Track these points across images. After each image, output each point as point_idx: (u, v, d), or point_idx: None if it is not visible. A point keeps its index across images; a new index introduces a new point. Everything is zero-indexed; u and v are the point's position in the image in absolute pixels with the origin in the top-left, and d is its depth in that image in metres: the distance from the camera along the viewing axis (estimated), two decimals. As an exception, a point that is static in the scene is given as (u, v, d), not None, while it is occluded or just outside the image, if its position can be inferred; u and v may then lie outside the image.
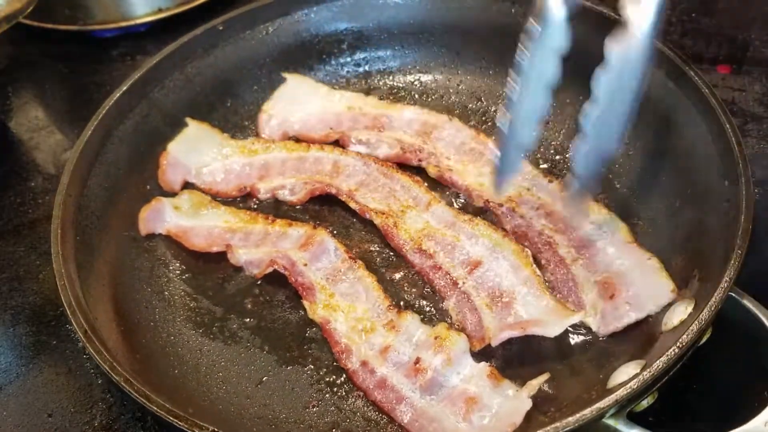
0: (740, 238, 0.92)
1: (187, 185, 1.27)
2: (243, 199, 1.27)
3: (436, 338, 1.04)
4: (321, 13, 1.40)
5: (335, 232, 1.19)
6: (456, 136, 1.34)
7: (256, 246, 1.17)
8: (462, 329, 1.07)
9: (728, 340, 0.97)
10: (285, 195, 1.25)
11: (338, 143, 1.30)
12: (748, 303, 0.95)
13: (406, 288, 1.13)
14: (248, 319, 1.11)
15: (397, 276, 1.15)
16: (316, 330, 1.07)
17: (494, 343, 1.03)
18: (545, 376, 0.98)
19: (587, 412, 0.81)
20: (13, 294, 1.17)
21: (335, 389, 1.02)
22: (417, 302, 1.10)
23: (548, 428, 0.80)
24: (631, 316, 1.06)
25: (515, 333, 1.02)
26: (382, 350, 1.07)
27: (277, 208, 1.25)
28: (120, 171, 1.21)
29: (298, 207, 1.25)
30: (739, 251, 0.91)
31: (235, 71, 1.38)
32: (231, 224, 1.22)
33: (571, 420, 0.80)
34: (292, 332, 1.09)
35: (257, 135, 1.34)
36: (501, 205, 1.16)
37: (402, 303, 1.09)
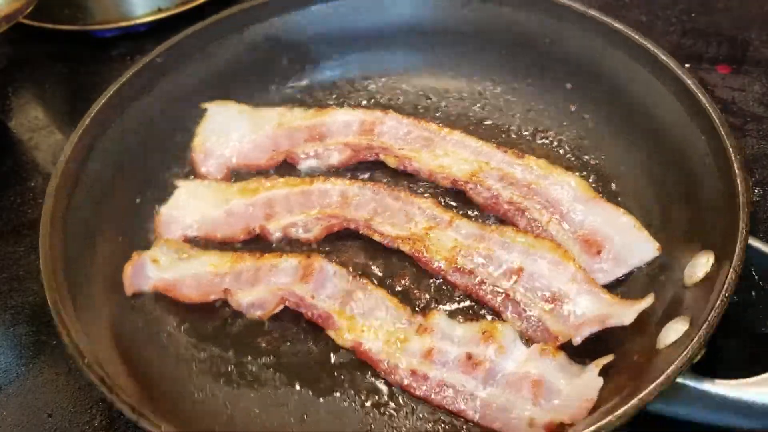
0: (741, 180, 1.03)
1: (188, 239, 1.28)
2: (246, 243, 1.28)
3: (483, 333, 1.09)
4: (256, 31, 1.42)
5: (326, 251, 1.23)
6: (398, 127, 1.39)
7: (250, 285, 1.17)
8: (530, 339, 1.12)
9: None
10: (299, 233, 1.25)
11: (287, 163, 1.36)
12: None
13: (416, 293, 1.17)
14: (266, 358, 1.11)
15: (405, 282, 1.19)
16: (342, 354, 1.10)
17: (577, 341, 1.07)
18: (610, 357, 1.03)
19: (663, 379, 0.86)
20: (13, 294, 1.22)
21: (382, 409, 1.05)
22: (432, 303, 1.16)
23: (633, 401, 0.85)
24: (617, 272, 1.16)
25: (595, 327, 1.07)
26: (426, 354, 1.10)
27: (293, 246, 1.27)
28: (94, 231, 1.19)
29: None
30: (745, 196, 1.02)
31: (177, 104, 1.37)
32: (217, 267, 1.21)
33: (652, 388, 0.86)
34: (317, 362, 1.10)
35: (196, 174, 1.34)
36: (467, 182, 1.26)
37: (419, 306, 1.15)
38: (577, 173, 1.27)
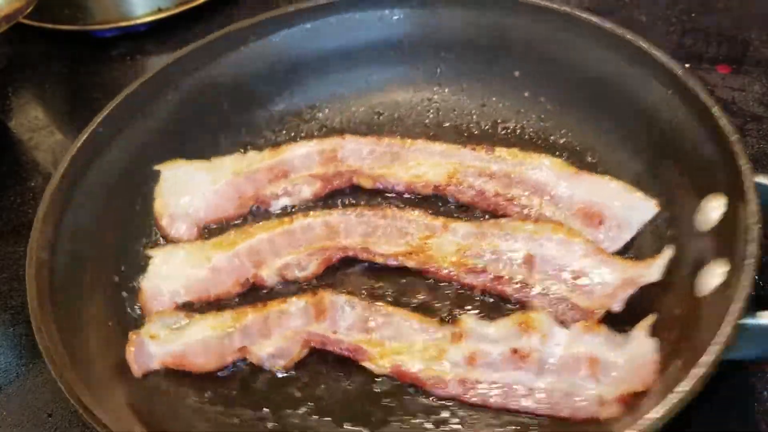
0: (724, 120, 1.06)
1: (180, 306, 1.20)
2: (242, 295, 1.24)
3: (520, 325, 1.07)
4: (191, 82, 1.37)
5: (330, 283, 1.21)
6: (359, 148, 1.37)
7: (264, 338, 1.12)
8: (564, 322, 1.09)
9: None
10: (295, 273, 1.21)
11: (259, 207, 1.33)
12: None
13: (436, 305, 1.16)
14: (306, 407, 1.06)
15: (420, 297, 1.17)
16: (383, 382, 1.07)
17: (616, 308, 1.07)
18: (652, 317, 1.03)
19: (731, 320, 0.86)
20: (12, 294, 1.23)
21: (445, 426, 1.02)
22: (455, 309, 1.15)
23: (713, 349, 0.84)
24: (624, 237, 1.19)
25: (629, 290, 1.06)
26: (469, 360, 1.07)
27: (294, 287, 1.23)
28: (83, 324, 1.11)
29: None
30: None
31: (127, 172, 1.30)
32: (221, 328, 1.14)
33: (718, 341, 0.84)
34: (360, 396, 1.06)
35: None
36: (447, 185, 1.26)
37: (443, 316, 1.14)
38: (549, 155, 1.27)
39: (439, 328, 1.09)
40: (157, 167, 1.30)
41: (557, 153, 1.29)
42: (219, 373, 1.10)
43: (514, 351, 1.04)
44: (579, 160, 1.28)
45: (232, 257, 1.22)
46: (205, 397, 1.08)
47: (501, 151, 1.31)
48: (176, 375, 1.10)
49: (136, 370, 1.09)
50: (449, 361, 1.05)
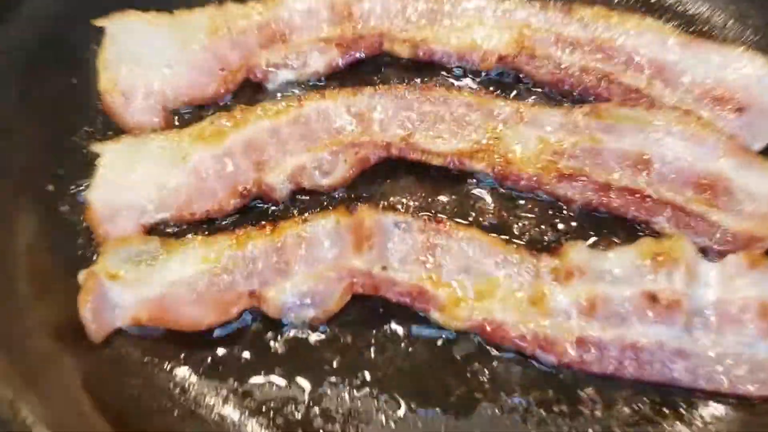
0: None
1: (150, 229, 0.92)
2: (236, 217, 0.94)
3: (654, 257, 0.81)
4: None
5: (362, 197, 0.94)
6: (386, 2, 1.06)
7: (282, 275, 0.85)
8: (704, 252, 0.84)
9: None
10: (316, 179, 0.93)
11: (250, 83, 1.03)
12: None
13: (520, 225, 0.90)
14: (352, 380, 0.81)
15: (493, 211, 0.91)
16: (464, 342, 0.83)
17: None
18: None
19: None
20: None
21: (556, 408, 0.79)
22: (548, 231, 0.89)
23: None
24: None
25: None
26: (587, 309, 0.82)
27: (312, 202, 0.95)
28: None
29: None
30: None
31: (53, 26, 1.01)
32: (218, 259, 0.86)
33: None
34: (435, 364, 0.82)
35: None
36: (516, 56, 1.00)
37: (534, 242, 0.89)
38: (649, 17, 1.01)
39: (535, 261, 0.85)
40: (98, 22, 1.02)
41: (659, 16, 1.04)
42: (218, 332, 0.85)
43: (651, 297, 0.80)
44: (686, 24, 1.04)
45: (221, 155, 0.94)
46: (200, 371, 0.83)
47: (582, 11, 1.02)
48: (155, 337, 0.85)
49: (95, 330, 0.84)
50: (558, 312, 0.81)
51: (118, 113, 0.99)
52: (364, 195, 0.94)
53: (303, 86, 1.04)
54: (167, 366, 0.83)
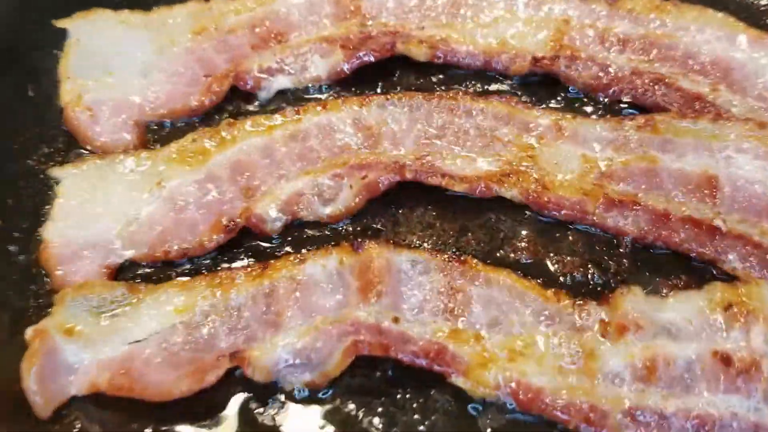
0: None
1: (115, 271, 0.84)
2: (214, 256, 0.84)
3: (728, 307, 0.71)
4: None
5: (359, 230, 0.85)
6: None
7: (272, 329, 0.74)
8: None
9: None
10: (316, 209, 0.83)
11: (238, 92, 0.95)
12: None
13: (553, 258, 0.80)
14: None
15: (525, 247, 0.81)
16: (492, 414, 0.72)
17: None
18: None
19: None
20: None
21: None
22: (584, 270, 0.79)
23: None
24: None
25: None
26: (644, 375, 0.70)
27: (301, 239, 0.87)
28: None
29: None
30: None
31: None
32: (194, 310, 0.75)
33: None
34: None
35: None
36: (555, 57, 0.91)
37: (569, 281, 0.79)
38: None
39: (578, 310, 0.75)
40: (59, 23, 0.95)
41: (723, 7, 0.93)
42: (193, 403, 0.75)
43: (724, 358, 0.71)
44: (760, 18, 0.94)
45: (203, 180, 0.85)
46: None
47: (632, 3, 0.92)
48: (117, 408, 0.75)
49: (42, 402, 0.74)
50: (605, 375, 0.71)
51: (82, 130, 0.92)
52: (373, 227, 0.86)
53: (301, 96, 0.95)
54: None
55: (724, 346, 0.72)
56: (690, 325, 0.74)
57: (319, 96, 0.95)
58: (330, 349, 0.73)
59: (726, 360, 0.71)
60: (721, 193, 0.81)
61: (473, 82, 0.95)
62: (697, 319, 0.74)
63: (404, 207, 0.86)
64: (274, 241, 0.84)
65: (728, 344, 0.72)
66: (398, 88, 0.96)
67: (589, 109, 0.92)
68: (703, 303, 0.75)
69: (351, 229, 0.86)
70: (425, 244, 0.83)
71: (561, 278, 0.81)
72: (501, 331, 0.75)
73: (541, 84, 0.95)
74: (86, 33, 0.96)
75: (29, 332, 0.74)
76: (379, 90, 0.97)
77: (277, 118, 0.90)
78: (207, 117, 0.94)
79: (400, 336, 0.75)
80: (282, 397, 0.75)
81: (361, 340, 0.74)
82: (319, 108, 0.89)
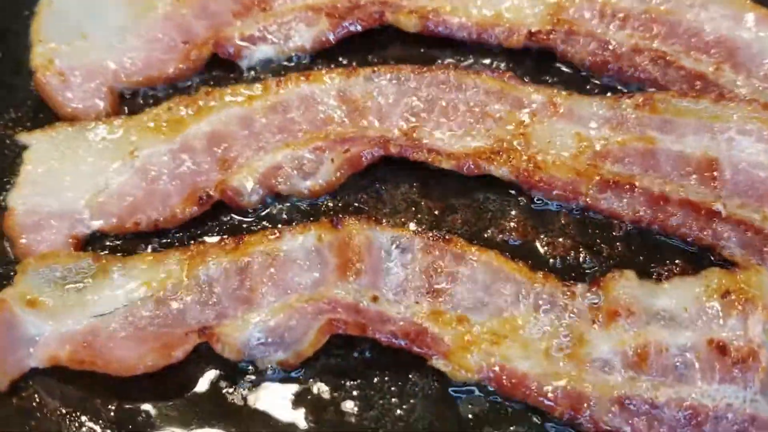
0: None
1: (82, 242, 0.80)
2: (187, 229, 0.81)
3: (725, 294, 0.70)
4: None
5: (340, 206, 0.83)
6: None
7: (243, 304, 0.72)
8: None
9: None
10: (295, 183, 0.80)
11: (219, 60, 0.93)
12: None
13: (543, 240, 0.78)
14: None
15: (513, 226, 0.79)
16: (474, 401, 0.70)
17: None
18: None
19: None
20: None
21: None
22: (575, 253, 0.77)
23: None
24: None
25: None
26: (635, 363, 0.68)
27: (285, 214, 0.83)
28: None
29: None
30: None
31: None
32: (164, 283, 0.73)
33: None
34: (432, 419, 0.70)
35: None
36: (551, 31, 0.89)
37: (559, 264, 0.77)
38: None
39: (567, 293, 0.73)
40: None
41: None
42: (157, 379, 0.73)
43: (720, 346, 0.69)
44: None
45: (178, 150, 0.83)
46: (133, 430, 0.73)
47: None
48: (79, 383, 0.74)
49: (3, 374, 0.73)
50: (594, 362, 0.70)
51: (53, 95, 0.89)
52: (354, 205, 0.84)
53: (284, 66, 0.92)
54: (91, 422, 0.71)
55: (720, 335, 0.71)
56: (685, 312, 0.73)
57: (303, 64, 0.90)
58: (304, 328, 0.72)
59: (722, 349, 0.69)
60: (722, 176, 0.80)
61: (465, 56, 0.90)
62: (693, 306, 0.73)
63: (388, 183, 0.85)
64: (250, 216, 0.82)
65: (725, 333, 0.71)
66: (387, 61, 0.90)
67: (585, 86, 0.90)
68: (699, 289, 0.73)
69: (331, 204, 0.84)
70: (409, 223, 0.82)
71: (551, 261, 0.79)
72: (485, 313, 0.74)
73: (536, 61, 0.90)
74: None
75: (-11, 301, 0.78)
76: (366, 63, 0.91)
77: (258, 88, 0.87)
78: (185, 86, 0.89)
79: (378, 315, 0.73)
80: (254, 377, 0.73)
81: (337, 318, 0.71)
82: (302, 78, 0.85)
